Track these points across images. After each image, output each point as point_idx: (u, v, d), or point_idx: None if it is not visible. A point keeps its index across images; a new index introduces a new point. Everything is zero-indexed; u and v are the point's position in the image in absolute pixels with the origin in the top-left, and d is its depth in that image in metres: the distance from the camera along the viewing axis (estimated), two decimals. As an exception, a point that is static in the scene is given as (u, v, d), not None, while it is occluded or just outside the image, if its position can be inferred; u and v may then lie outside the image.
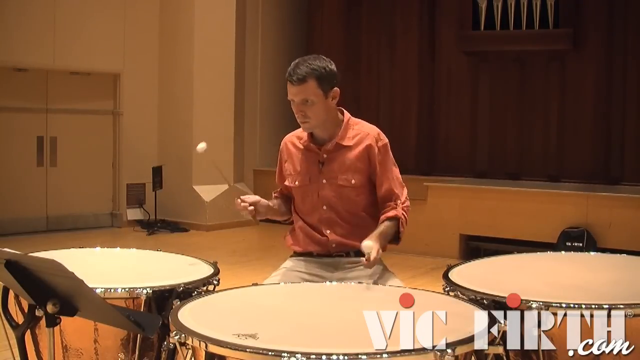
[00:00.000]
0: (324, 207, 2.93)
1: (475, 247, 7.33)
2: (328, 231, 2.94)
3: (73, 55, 8.58)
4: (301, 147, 3.00)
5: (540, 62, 8.61)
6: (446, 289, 2.44)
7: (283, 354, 1.74)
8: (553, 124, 8.57)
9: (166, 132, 9.32)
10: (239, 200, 2.87)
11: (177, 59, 9.19)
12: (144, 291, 2.39)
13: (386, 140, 2.97)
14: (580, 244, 6.67)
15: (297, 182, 2.99)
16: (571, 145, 8.47)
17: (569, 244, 6.69)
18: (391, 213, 2.89)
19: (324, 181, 2.94)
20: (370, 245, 2.67)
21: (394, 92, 9.42)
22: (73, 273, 1.81)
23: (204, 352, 1.85)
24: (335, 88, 2.88)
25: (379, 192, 2.94)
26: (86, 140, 8.92)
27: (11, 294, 2.52)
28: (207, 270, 2.67)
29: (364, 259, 2.68)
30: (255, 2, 9.80)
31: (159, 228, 8.77)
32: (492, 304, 2.22)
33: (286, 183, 3.05)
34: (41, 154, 8.62)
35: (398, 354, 1.76)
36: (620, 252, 3.21)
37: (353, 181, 2.91)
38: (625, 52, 8.21)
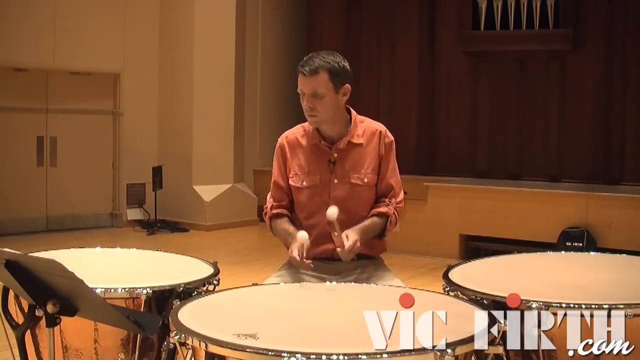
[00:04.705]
0: None
1: (475, 247, 7.32)
2: (336, 233, 2.86)
3: (73, 55, 8.58)
4: (307, 146, 2.93)
5: (540, 62, 8.61)
6: (446, 289, 2.43)
7: (283, 354, 1.74)
8: (553, 124, 8.57)
9: (166, 132, 9.31)
10: (296, 257, 2.66)
11: (177, 59, 9.19)
12: (144, 291, 2.38)
13: (392, 137, 2.95)
14: (580, 244, 6.66)
15: (304, 183, 2.90)
16: (571, 145, 8.47)
17: (569, 244, 6.69)
18: (382, 209, 2.87)
19: (336, 181, 2.88)
20: (348, 234, 2.68)
21: (394, 92, 9.41)
22: (73, 273, 1.81)
23: (204, 352, 1.84)
24: (347, 85, 2.84)
25: (378, 188, 2.91)
26: (86, 140, 8.92)
27: (11, 294, 2.52)
28: (207, 270, 2.67)
29: (365, 260, 2.65)
30: (255, 2, 9.80)
31: (159, 228, 8.77)
32: (492, 304, 2.22)
33: (291, 183, 2.94)
34: (41, 154, 8.62)
35: (398, 354, 1.76)
36: (620, 252, 3.21)
37: (366, 179, 2.88)
38: (625, 52, 8.21)
